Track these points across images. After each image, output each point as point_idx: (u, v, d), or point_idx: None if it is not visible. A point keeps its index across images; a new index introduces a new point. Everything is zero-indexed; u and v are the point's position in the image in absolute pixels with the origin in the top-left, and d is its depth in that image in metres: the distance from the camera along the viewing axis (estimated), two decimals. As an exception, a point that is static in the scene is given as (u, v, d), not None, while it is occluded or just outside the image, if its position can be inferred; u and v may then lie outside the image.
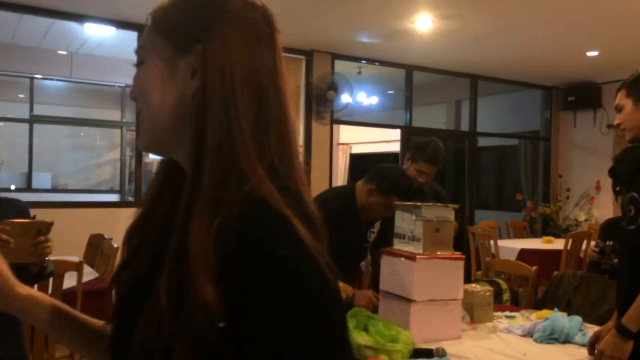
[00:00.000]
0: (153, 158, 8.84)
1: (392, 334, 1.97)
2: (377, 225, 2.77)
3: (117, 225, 5.24)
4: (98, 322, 0.90)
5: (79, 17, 5.13)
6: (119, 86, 8.41)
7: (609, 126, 7.21)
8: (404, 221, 2.29)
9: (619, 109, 1.91)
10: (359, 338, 1.93)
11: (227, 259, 0.59)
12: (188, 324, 0.57)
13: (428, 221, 2.20)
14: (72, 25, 5.43)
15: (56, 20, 5.32)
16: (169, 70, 0.71)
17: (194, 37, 0.69)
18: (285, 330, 0.58)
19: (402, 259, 2.22)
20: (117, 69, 7.34)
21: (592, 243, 3.14)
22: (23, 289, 0.86)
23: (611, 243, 2.85)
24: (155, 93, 0.72)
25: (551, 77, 7.42)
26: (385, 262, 2.32)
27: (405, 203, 2.35)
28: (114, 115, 8.76)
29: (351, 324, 1.98)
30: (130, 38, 5.49)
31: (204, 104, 0.67)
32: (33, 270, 1.97)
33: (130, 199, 6.69)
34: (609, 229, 3.02)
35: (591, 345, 2.01)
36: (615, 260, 2.79)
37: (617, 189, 2.00)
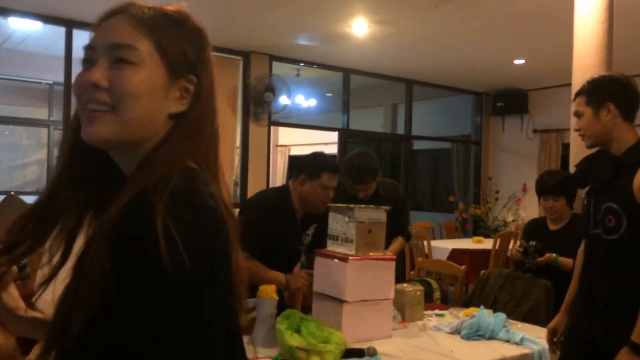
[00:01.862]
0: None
1: (324, 335, 1.98)
2: (312, 228, 2.78)
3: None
4: None
5: (3, 11, 4.88)
6: (47, 83, 8.03)
7: (535, 131, 7.57)
8: (337, 223, 2.31)
9: (578, 115, 1.98)
10: (292, 340, 1.93)
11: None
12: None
13: (360, 223, 2.23)
14: (-5, 18, 5.16)
15: (-23, 13, 5.04)
16: (161, 87, 0.81)
17: (188, 67, 0.84)
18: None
19: (335, 260, 2.24)
20: (44, 65, 7.01)
21: (517, 243, 3.27)
22: (25, 312, 0.93)
23: (534, 243, 2.99)
24: (145, 100, 0.79)
25: (482, 83, 7.71)
26: (319, 263, 2.33)
27: (338, 205, 2.37)
28: (41, 113, 8.36)
29: (283, 325, 1.97)
30: (57, 34, 5.27)
31: (188, 124, 0.83)
32: None
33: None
34: (532, 229, 3.15)
35: (551, 342, 2.17)
36: (539, 259, 2.93)
37: (585, 195, 2.04)
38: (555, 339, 2.20)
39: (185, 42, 0.83)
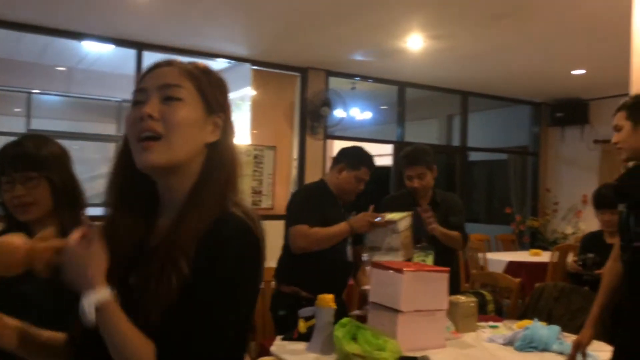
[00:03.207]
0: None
1: (379, 343, 2.08)
2: (353, 214, 2.95)
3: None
4: (57, 336, 1.10)
5: (78, 35, 5.26)
6: (116, 101, 8.52)
7: (596, 141, 7.39)
8: (377, 235, 2.58)
9: (617, 129, 2.05)
10: (348, 346, 2.04)
11: (200, 245, 0.95)
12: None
13: (402, 232, 2.48)
14: (71, 42, 5.56)
15: (55, 38, 5.45)
16: (201, 120, 1.02)
17: (218, 107, 1.05)
18: (226, 280, 0.95)
19: (391, 271, 2.33)
20: (114, 84, 7.46)
21: (573, 257, 3.26)
22: None
23: (592, 255, 2.99)
24: (190, 131, 1.00)
25: (539, 93, 7.60)
26: (374, 274, 2.44)
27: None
28: (110, 129, 8.86)
29: (340, 332, 2.09)
30: (127, 54, 5.63)
31: (219, 152, 1.04)
32: None
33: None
34: (589, 242, 3.15)
35: (573, 356, 2.15)
36: (597, 272, 2.93)
37: (623, 209, 2.07)
38: (581, 352, 2.16)
39: (216, 88, 1.05)
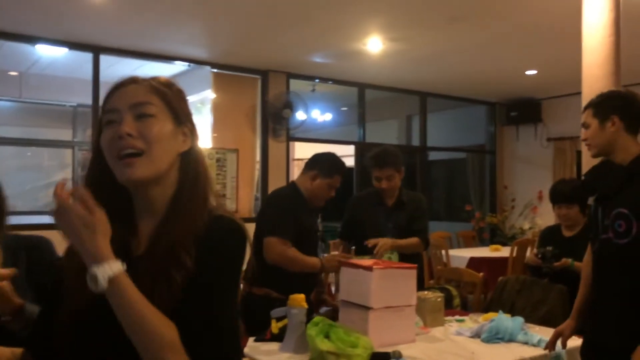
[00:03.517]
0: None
1: (352, 340, 2.11)
2: (319, 217, 3.07)
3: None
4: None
5: (31, 39, 5.12)
6: (71, 105, 8.30)
7: (549, 139, 7.66)
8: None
9: (585, 126, 2.13)
10: (322, 344, 2.06)
11: (200, 245, 1.02)
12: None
13: None
14: (23, 45, 5.40)
15: (7, 42, 5.28)
16: (172, 133, 1.08)
17: (185, 117, 1.12)
18: (225, 277, 1.04)
19: (360, 270, 2.37)
20: (69, 88, 7.27)
21: (533, 250, 3.36)
22: None
23: (550, 248, 3.09)
24: (167, 143, 1.07)
25: (495, 94, 7.82)
26: (344, 273, 2.47)
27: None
28: (65, 135, 8.62)
29: (313, 331, 2.11)
30: (82, 58, 5.51)
31: (193, 158, 1.11)
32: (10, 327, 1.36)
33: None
34: (548, 236, 3.25)
35: (552, 343, 2.22)
36: (556, 264, 3.03)
37: (592, 202, 2.14)
38: (560, 342, 2.23)
39: (180, 99, 1.12)
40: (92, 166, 1.08)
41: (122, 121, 1.02)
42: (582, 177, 2.18)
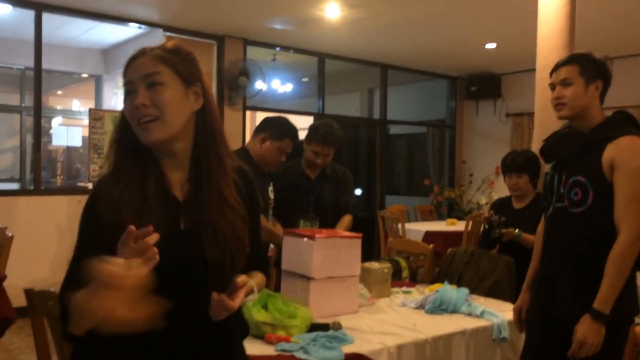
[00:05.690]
0: (56, 145, 8.40)
1: (290, 311, 2.03)
2: (271, 186, 2.93)
3: (16, 214, 4.97)
4: None
5: (-31, -6, 4.79)
6: (18, 68, 7.89)
7: (508, 115, 7.69)
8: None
9: (565, 83, 1.91)
10: (258, 315, 1.98)
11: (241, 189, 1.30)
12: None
13: None
14: (-39, 1, 5.06)
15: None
16: (183, 95, 1.22)
17: (193, 78, 1.24)
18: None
19: (304, 239, 2.28)
20: (14, 50, 6.89)
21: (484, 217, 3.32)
22: None
23: (497, 217, 3.06)
24: (178, 106, 1.21)
25: (456, 68, 7.78)
26: (287, 242, 2.38)
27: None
28: (13, 99, 8.21)
29: (250, 302, 2.01)
30: (28, 18, 5.19)
31: (208, 115, 1.25)
32: None
33: (31, 187, 6.33)
34: (498, 207, 3.24)
35: (518, 323, 2.15)
36: (503, 231, 2.99)
37: (548, 169, 2.04)
38: (522, 318, 2.17)
39: (187, 62, 1.24)
40: (122, 128, 1.23)
41: (137, 93, 1.18)
42: (542, 142, 2.07)
